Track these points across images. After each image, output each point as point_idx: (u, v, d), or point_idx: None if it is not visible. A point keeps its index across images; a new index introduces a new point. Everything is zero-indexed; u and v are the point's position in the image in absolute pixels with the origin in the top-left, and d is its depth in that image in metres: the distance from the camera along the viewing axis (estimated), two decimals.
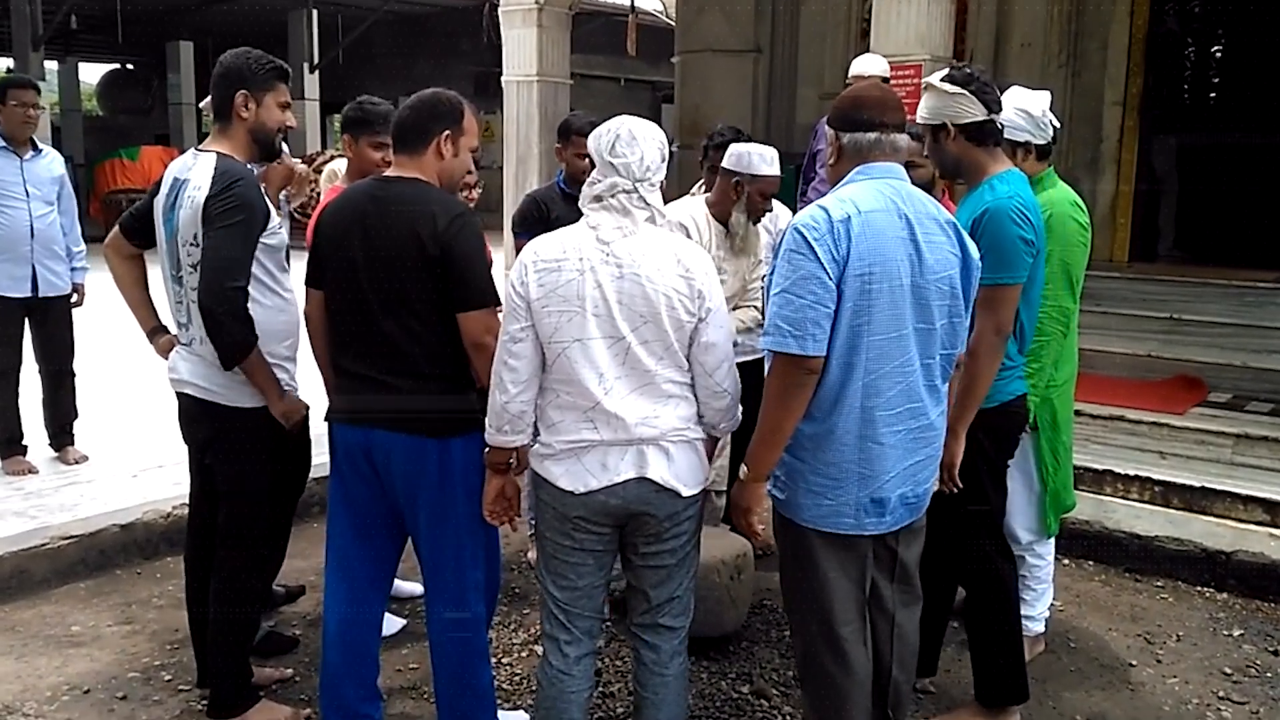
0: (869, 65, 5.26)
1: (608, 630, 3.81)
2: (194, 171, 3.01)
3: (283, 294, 3.14)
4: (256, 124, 3.11)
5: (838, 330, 2.43)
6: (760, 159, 3.90)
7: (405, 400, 2.79)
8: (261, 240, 3.03)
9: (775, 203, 4.48)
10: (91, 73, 29.94)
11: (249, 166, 3.10)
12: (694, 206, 4.06)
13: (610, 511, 2.57)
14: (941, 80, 2.98)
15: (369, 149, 3.59)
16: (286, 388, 3.14)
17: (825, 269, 2.39)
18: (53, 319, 5.24)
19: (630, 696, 3.25)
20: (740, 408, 2.66)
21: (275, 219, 3.12)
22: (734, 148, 3.99)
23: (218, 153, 3.03)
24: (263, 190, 3.12)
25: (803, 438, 2.52)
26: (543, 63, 7.62)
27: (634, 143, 2.55)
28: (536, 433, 2.64)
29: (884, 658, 2.72)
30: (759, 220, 3.99)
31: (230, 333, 2.94)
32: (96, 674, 3.60)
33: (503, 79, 7.83)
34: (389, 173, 2.91)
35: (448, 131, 2.84)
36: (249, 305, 2.96)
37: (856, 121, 2.57)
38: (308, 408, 3.23)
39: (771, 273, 2.55)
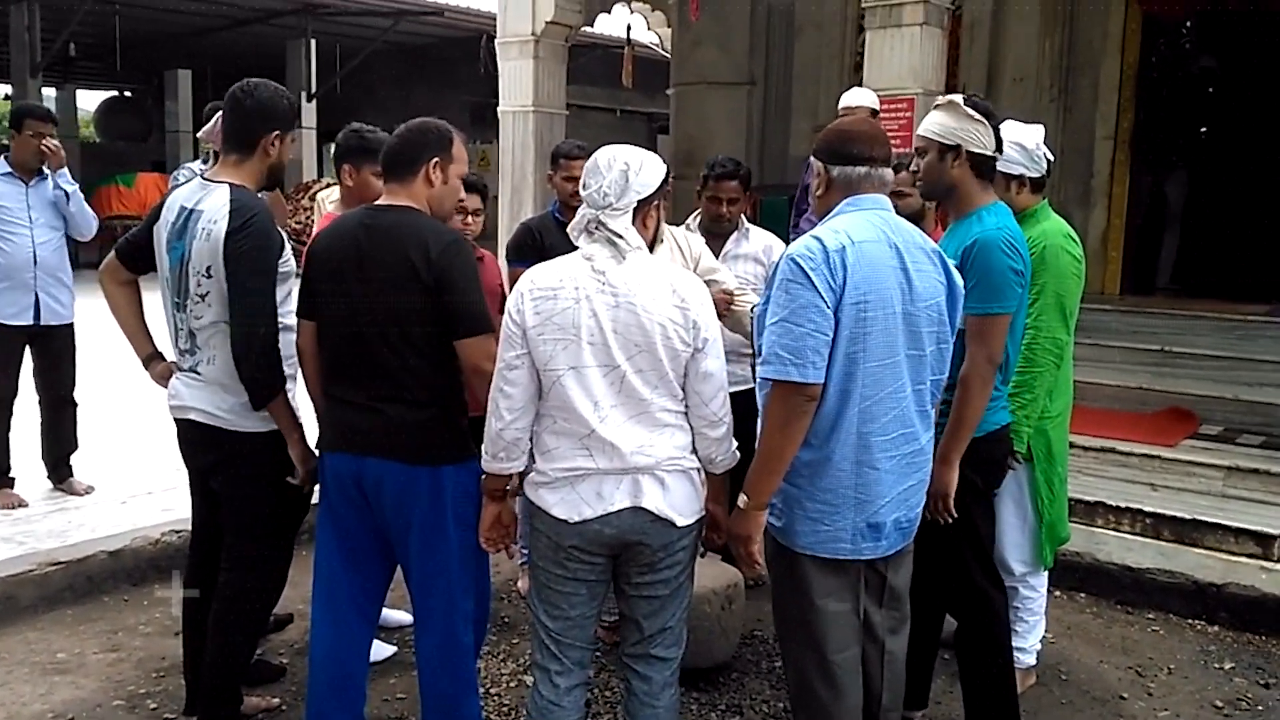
0: (859, 98, 5.31)
1: (597, 660, 3.79)
2: (207, 203, 3.00)
3: (287, 319, 3.12)
4: (278, 161, 3.16)
5: (834, 358, 2.47)
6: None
7: (397, 427, 2.79)
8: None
9: (768, 234, 4.51)
10: (89, 100, 30.09)
11: (260, 195, 3.12)
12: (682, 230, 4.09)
13: (605, 541, 2.56)
14: (965, 103, 3.01)
15: (373, 178, 3.57)
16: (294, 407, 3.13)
17: (823, 297, 2.42)
18: (55, 348, 5.19)
19: None
20: (734, 441, 2.67)
21: (287, 249, 3.14)
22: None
23: (230, 184, 3.03)
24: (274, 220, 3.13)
25: (800, 465, 2.54)
26: (538, 93, 7.67)
27: (596, 172, 2.58)
28: (532, 460, 2.64)
29: (874, 685, 2.73)
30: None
31: (263, 376, 2.99)
32: (81, 702, 3.57)
33: (499, 109, 7.88)
34: (380, 201, 2.92)
35: (436, 159, 2.86)
36: None
37: (846, 155, 2.61)
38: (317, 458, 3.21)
39: (765, 303, 2.56)
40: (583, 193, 2.59)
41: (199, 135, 4.22)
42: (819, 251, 2.46)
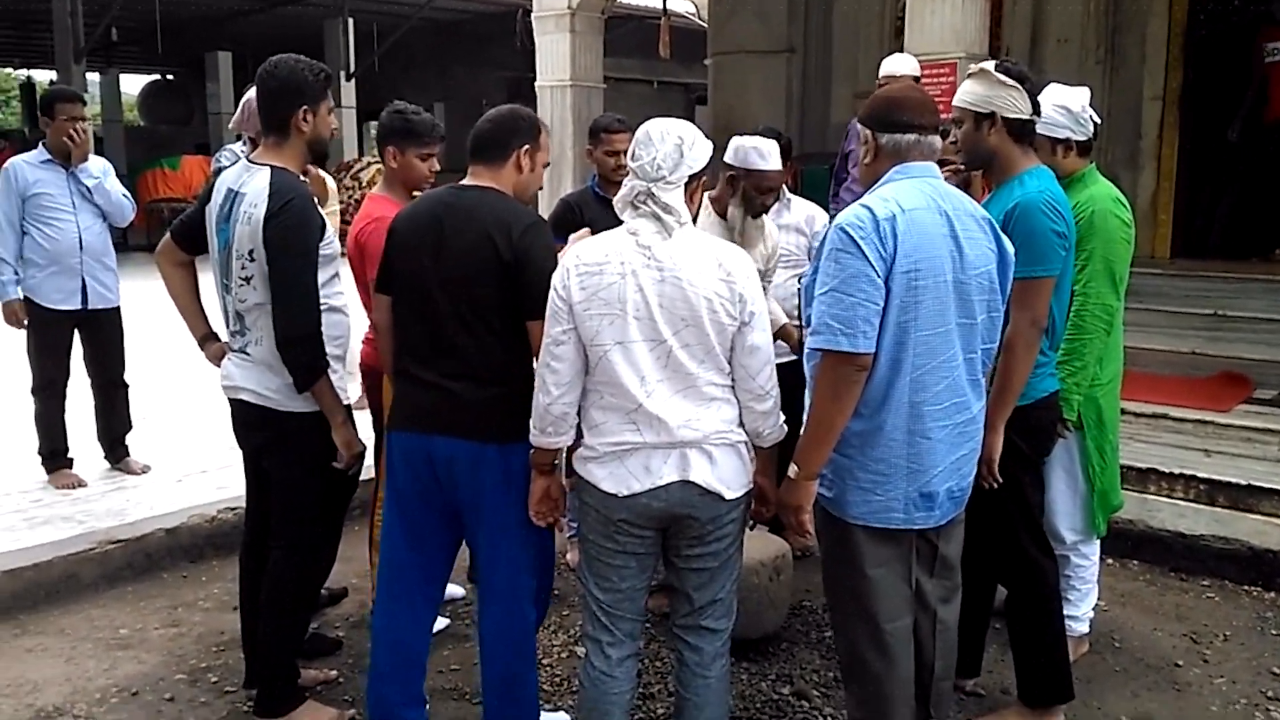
0: (900, 65, 5.24)
1: (648, 631, 3.82)
2: (250, 186, 3.03)
3: (332, 300, 3.15)
4: (314, 136, 3.15)
5: (885, 327, 2.46)
6: (756, 154, 3.81)
7: (466, 405, 2.80)
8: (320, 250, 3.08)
9: (810, 204, 4.47)
10: (132, 84, 30.43)
11: (302, 179, 3.13)
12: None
13: (653, 514, 2.57)
14: (996, 69, 2.98)
15: (417, 160, 3.58)
16: (338, 390, 3.16)
17: (873, 266, 2.41)
18: (104, 331, 5.27)
19: (671, 698, 3.25)
20: (782, 414, 2.66)
21: (330, 231, 3.15)
22: (734, 141, 3.93)
23: (272, 166, 3.05)
24: (315, 202, 3.15)
25: (850, 435, 2.54)
26: (575, 67, 7.66)
27: (649, 144, 2.57)
28: (580, 435, 2.65)
29: (926, 654, 2.74)
30: (758, 215, 3.92)
31: (306, 361, 3.03)
32: (144, 676, 3.66)
33: (536, 84, 7.87)
34: (465, 181, 2.92)
35: (527, 146, 2.90)
36: None
37: (895, 123, 2.59)
38: (364, 447, 3.25)
39: (814, 274, 2.56)
40: (632, 164, 2.58)
41: (230, 125, 4.24)
42: (869, 220, 2.44)
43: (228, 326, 3.21)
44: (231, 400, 3.25)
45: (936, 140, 2.62)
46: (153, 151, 20.25)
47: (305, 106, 3.09)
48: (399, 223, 2.94)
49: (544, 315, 2.68)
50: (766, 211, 3.94)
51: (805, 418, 2.58)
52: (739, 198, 3.83)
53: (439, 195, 2.92)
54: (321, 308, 3.09)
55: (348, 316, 3.26)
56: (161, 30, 18.32)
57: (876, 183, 2.61)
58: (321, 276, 3.10)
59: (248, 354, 3.14)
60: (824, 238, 2.56)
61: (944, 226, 2.51)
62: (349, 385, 3.28)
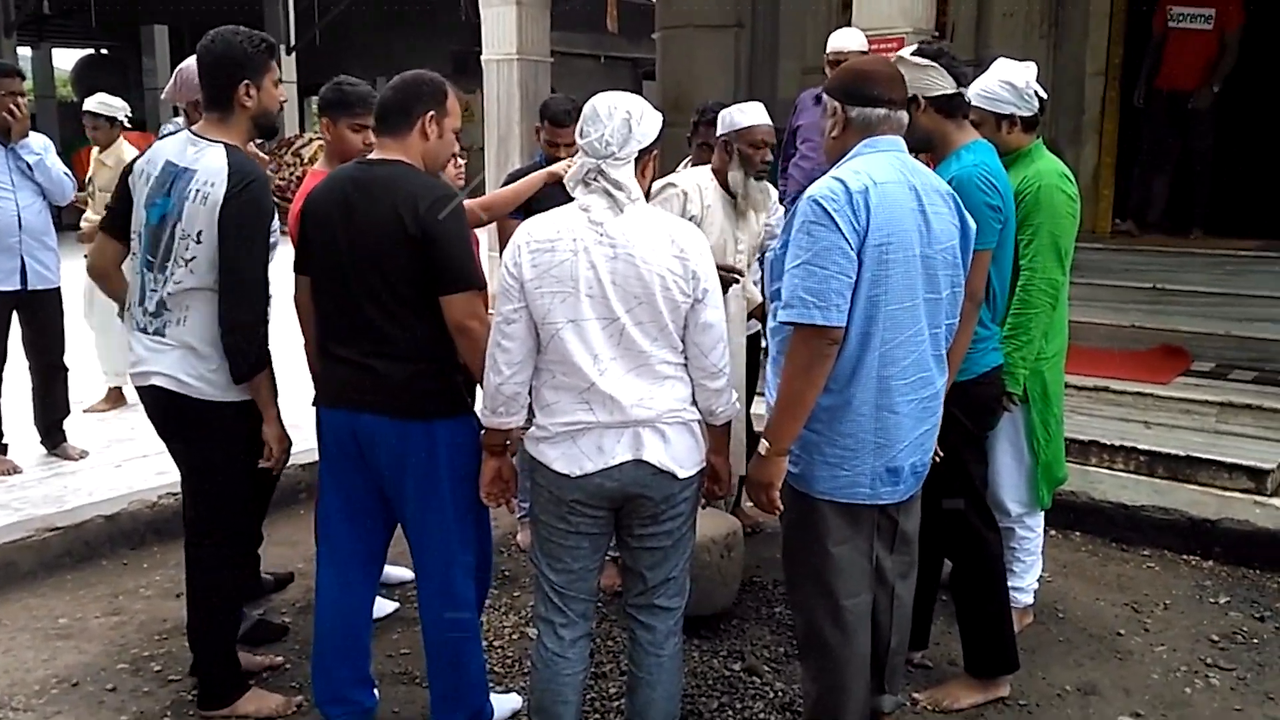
0: (848, 40, 5.23)
1: (600, 611, 3.81)
2: (202, 163, 2.92)
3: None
4: (259, 110, 3.04)
5: (856, 301, 2.47)
6: (740, 113, 3.93)
7: (387, 383, 2.77)
8: None
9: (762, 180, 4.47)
10: (65, 59, 29.61)
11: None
12: (700, 174, 4.05)
13: (607, 494, 2.56)
14: (911, 54, 3.01)
15: (349, 131, 3.51)
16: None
17: (846, 239, 2.41)
18: (44, 313, 5.12)
19: (623, 676, 3.25)
20: (735, 393, 2.66)
21: (275, 220, 3.07)
22: (720, 114, 4.05)
23: (225, 144, 2.95)
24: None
25: (819, 410, 2.54)
26: (522, 41, 7.54)
27: (596, 120, 2.53)
28: (532, 415, 2.62)
29: (882, 629, 2.78)
30: (760, 175, 3.97)
31: (251, 348, 2.94)
32: (85, 666, 3.58)
33: (482, 58, 7.75)
34: (373, 155, 2.87)
35: (431, 112, 2.81)
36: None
37: (867, 97, 2.59)
38: (291, 443, 3.14)
39: (783, 248, 2.54)
40: (580, 141, 2.55)
41: (163, 96, 4.12)
42: (842, 193, 2.44)
43: (140, 305, 3.04)
44: (140, 388, 3.09)
45: (903, 115, 2.63)
46: None
47: (247, 80, 2.98)
48: (311, 203, 2.87)
49: (457, 290, 2.67)
50: (767, 169, 4.00)
51: (773, 393, 2.58)
52: (736, 161, 3.90)
53: (347, 172, 2.85)
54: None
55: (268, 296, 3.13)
56: (95, 3, 17.84)
57: (843, 157, 2.60)
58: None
59: (163, 336, 3.00)
60: (793, 211, 2.54)
61: (913, 201, 2.53)
62: None
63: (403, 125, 2.80)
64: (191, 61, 3.30)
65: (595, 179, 2.52)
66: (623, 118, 2.52)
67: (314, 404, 2.98)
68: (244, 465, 3.10)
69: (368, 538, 3.01)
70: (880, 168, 2.51)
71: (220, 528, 3.14)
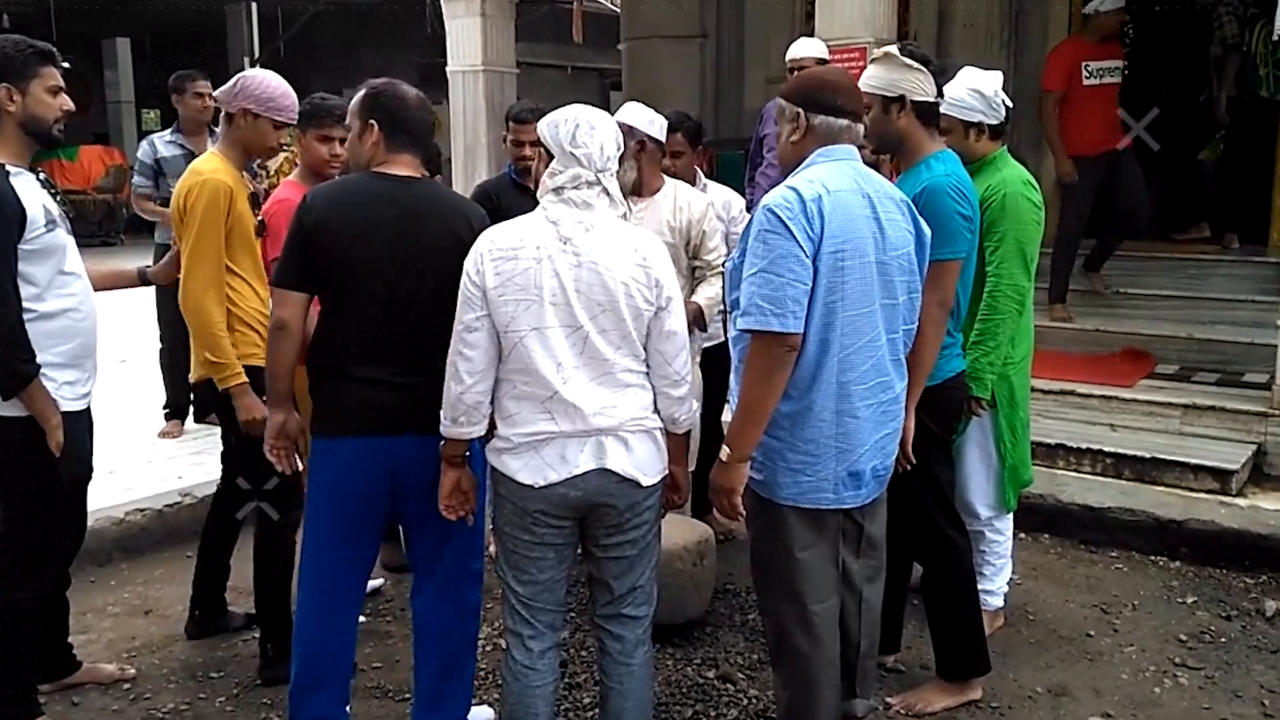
0: (808, 49, 5.25)
1: (571, 621, 3.80)
2: None
3: (53, 301, 2.92)
4: (26, 117, 2.95)
5: (813, 308, 2.49)
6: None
7: (426, 400, 2.66)
8: (22, 247, 2.84)
9: (726, 189, 4.48)
10: None
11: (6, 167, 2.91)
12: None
13: (570, 504, 2.55)
14: (901, 53, 3.00)
15: (315, 142, 3.52)
16: (68, 398, 2.96)
17: (801, 247, 2.43)
18: None
19: (597, 687, 3.24)
20: (695, 401, 2.67)
21: (39, 220, 2.89)
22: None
23: None
24: (15, 191, 2.86)
25: (780, 416, 2.56)
26: (487, 52, 7.54)
27: (593, 131, 2.54)
28: (493, 426, 2.61)
29: (851, 634, 2.79)
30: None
31: (6, 364, 2.81)
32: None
33: (447, 69, 7.75)
34: (398, 171, 2.79)
35: None
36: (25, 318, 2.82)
37: (830, 106, 2.61)
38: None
39: (740, 257, 2.56)
40: (575, 151, 2.52)
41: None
42: (796, 201, 2.46)
43: None
44: None
45: (860, 127, 2.67)
46: None
47: (7, 85, 2.91)
48: (330, 220, 2.72)
49: None
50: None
51: (733, 400, 2.59)
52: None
53: (378, 189, 2.75)
54: (39, 310, 2.87)
55: (84, 315, 3.02)
56: (56, 15, 17.62)
57: (799, 164, 2.62)
58: (41, 272, 2.88)
59: None
60: (749, 220, 2.56)
61: (867, 208, 2.55)
62: (91, 387, 3.08)
63: (422, 145, 2.86)
64: None
65: (579, 189, 2.52)
66: (613, 133, 2.57)
67: (315, 433, 2.83)
68: (23, 489, 2.97)
69: (362, 565, 2.94)
70: (834, 176, 2.54)
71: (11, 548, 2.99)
